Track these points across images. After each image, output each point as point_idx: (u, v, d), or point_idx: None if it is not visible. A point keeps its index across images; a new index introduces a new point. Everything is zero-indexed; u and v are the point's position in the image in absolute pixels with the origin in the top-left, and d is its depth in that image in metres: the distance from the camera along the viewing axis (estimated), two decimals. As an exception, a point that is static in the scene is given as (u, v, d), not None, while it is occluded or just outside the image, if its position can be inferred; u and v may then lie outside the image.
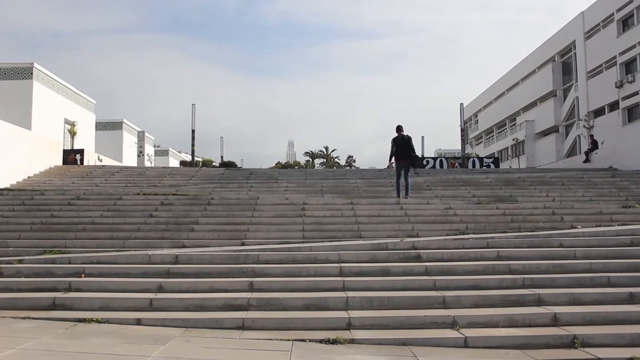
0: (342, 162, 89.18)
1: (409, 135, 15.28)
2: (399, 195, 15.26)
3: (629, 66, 37.92)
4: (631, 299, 8.51)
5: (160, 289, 8.94)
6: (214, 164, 47.71)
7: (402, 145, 15.06)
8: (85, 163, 25.30)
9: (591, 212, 14.26)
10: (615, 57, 38.74)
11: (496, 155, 50.55)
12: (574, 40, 44.35)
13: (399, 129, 15.31)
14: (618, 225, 12.83)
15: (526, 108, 53.56)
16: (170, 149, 65.35)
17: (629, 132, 31.82)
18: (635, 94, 36.36)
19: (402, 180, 15.24)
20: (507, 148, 56.95)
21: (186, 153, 59.26)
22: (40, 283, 9.15)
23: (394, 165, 15.36)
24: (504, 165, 41.36)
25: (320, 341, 7.03)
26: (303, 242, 11.54)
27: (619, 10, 38.63)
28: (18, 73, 27.74)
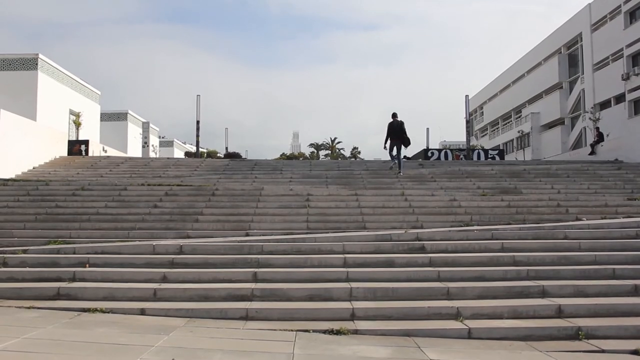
0: (347, 153, 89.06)
1: (402, 120, 18.37)
2: (392, 160, 18.85)
3: (635, 58, 37.69)
4: (636, 291, 8.50)
5: (164, 279, 8.98)
6: (218, 155, 47.69)
7: (396, 129, 18.22)
8: (90, 154, 25.26)
9: (596, 204, 14.21)
10: (622, 50, 38.48)
11: (501, 148, 50.30)
12: (581, 32, 44.08)
13: (394, 115, 18.48)
14: (623, 217, 12.80)
15: (532, 100, 53.35)
16: (175, 139, 65.47)
17: (635, 124, 31.55)
18: (641, 86, 36.16)
19: (395, 154, 18.78)
20: (512, 140, 56.70)
21: (191, 144, 59.23)
22: (44, 273, 9.20)
23: (388, 145, 18.48)
24: (509, 158, 41.15)
25: (324, 332, 7.05)
26: (307, 233, 11.55)
27: (626, 2, 38.34)
28: (23, 64, 27.72)
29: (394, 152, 18.59)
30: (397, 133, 18.15)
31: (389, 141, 18.36)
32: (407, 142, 18.49)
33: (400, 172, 18.18)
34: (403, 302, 8.11)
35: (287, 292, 8.39)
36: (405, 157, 36.92)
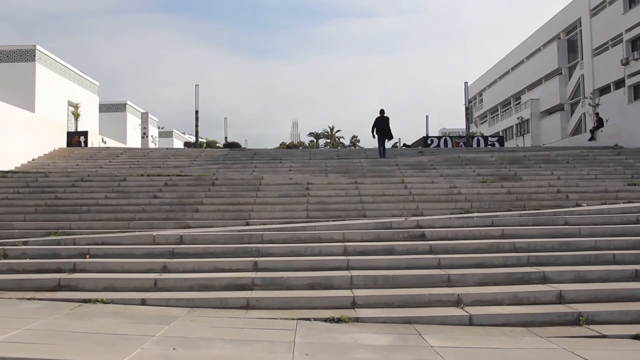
0: (347, 142, 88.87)
1: (387, 116, 20.46)
2: (380, 156, 20.54)
3: (635, 43, 37.42)
4: (636, 276, 8.50)
5: (164, 269, 8.97)
6: (218, 144, 47.71)
7: (382, 123, 20.26)
8: (89, 145, 25.25)
9: (596, 190, 14.20)
10: (621, 34, 38.18)
11: (501, 134, 50.21)
12: (580, 18, 43.79)
13: (382, 111, 20.50)
14: (623, 202, 12.79)
15: (531, 86, 53.09)
16: (174, 130, 65.26)
17: (635, 110, 31.40)
18: (641, 71, 35.95)
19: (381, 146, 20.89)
20: (512, 127, 56.46)
21: (190, 134, 59.11)
22: (45, 264, 9.20)
23: (376, 135, 20.56)
24: (508, 144, 41.06)
25: (325, 320, 7.04)
26: (307, 222, 11.55)
27: (625, -14, 38.04)
28: (21, 55, 27.57)
29: (382, 146, 20.73)
30: (382, 127, 20.29)
31: (376, 134, 20.55)
32: (390, 137, 20.96)
33: (383, 157, 20.27)
34: (404, 290, 8.11)
35: (288, 281, 8.39)
36: (404, 144, 37.12)
